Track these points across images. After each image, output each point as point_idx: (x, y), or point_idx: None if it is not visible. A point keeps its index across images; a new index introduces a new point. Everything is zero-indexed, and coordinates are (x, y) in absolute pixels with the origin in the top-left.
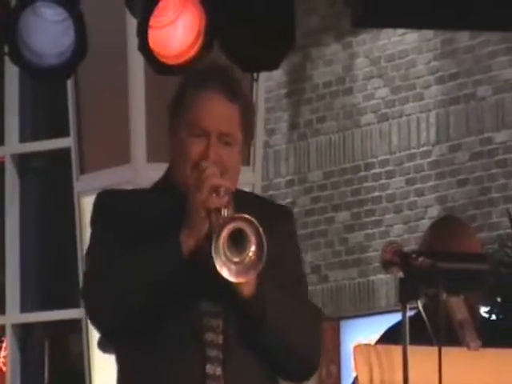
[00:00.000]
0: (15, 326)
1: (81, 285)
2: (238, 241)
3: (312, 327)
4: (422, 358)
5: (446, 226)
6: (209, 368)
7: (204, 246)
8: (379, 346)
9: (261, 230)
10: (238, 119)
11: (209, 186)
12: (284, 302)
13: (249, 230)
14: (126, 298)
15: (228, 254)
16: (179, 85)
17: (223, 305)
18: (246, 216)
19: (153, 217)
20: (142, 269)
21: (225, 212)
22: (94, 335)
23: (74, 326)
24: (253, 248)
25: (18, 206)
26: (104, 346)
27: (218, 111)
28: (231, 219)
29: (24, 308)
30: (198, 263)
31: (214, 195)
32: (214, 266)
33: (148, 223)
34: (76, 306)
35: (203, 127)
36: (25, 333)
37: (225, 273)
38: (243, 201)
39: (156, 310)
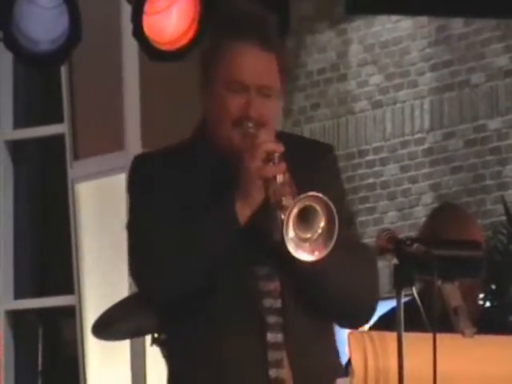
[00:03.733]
0: (9, 313)
1: (128, 258)
2: (306, 218)
3: (368, 271)
4: (417, 344)
5: (447, 214)
6: (270, 336)
7: (259, 212)
8: (374, 333)
9: (331, 204)
10: (275, 69)
11: (263, 154)
12: (339, 252)
13: (318, 206)
14: (182, 269)
15: (298, 232)
16: (212, 34)
17: (277, 267)
18: (314, 193)
19: (194, 179)
20: (197, 240)
21: (280, 178)
22: (88, 321)
23: (68, 313)
24: (322, 224)
25: (11, 192)
26: (98, 332)
27: (256, 64)
28: (298, 200)
29: (18, 295)
30: (251, 228)
31: (270, 163)
32: (288, 251)
33: (190, 186)
34: (70, 292)
35: (242, 82)
36: (18, 320)
37: (301, 255)
38: (285, 143)
39: (213, 279)
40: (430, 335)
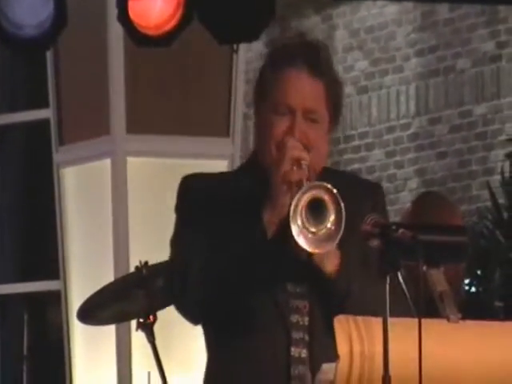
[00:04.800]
0: None
1: (169, 277)
2: (316, 210)
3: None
4: (402, 329)
5: (428, 202)
6: (294, 350)
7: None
8: (359, 318)
9: (340, 200)
10: (323, 96)
11: (290, 159)
12: (368, 279)
13: (328, 200)
14: (216, 284)
15: (306, 222)
16: (264, 62)
17: (308, 285)
18: (326, 185)
19: (238, 199)
20: (229, 254)
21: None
22: (74, 307)
23: (54, 298)
24: (331, 218)
25: None
26: (83, 317)
27: (302, 88)
28: (310, 187)
29: (3, 279)
30: (283, 241)
31: (294, 168)
32: (292, 235)
33: (233, 206)
34: (55, 277)
35: (288, 104)
36: (4, 305)
37: (301, 241)
38: (330, 178)
39: (245, 292)
40: (415, 320)
